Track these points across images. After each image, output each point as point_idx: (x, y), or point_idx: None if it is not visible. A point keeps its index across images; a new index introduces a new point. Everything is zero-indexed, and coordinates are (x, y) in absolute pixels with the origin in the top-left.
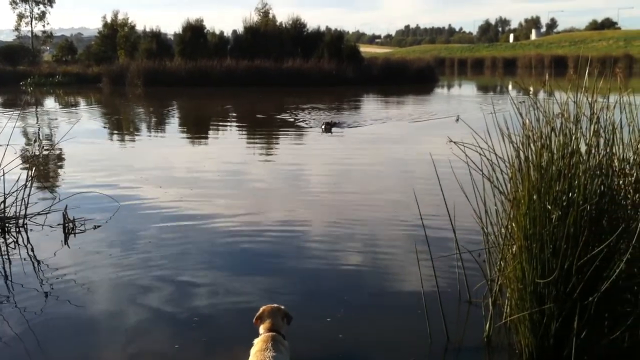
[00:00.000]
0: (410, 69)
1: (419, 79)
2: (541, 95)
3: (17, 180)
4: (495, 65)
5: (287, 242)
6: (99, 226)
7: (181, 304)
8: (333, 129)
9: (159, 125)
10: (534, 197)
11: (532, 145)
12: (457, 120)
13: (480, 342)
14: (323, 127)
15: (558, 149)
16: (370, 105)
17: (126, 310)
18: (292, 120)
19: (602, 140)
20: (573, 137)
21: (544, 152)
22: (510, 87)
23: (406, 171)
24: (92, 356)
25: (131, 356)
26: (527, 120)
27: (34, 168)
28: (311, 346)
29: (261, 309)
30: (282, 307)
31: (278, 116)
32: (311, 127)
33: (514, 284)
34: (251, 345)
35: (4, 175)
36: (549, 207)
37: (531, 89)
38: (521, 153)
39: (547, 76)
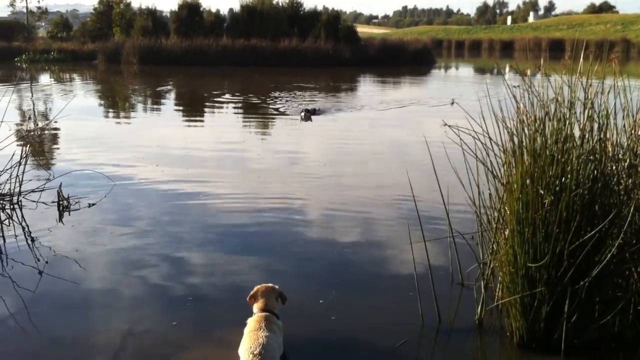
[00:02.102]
0: (407, 50)
1: (416, 60)
2: (537, 79)
3: (12, 157)
4: (493, 47)
5: (282, 223)
6: (93, 204)
7: (176, 282)
8: (313, 117)
9: (154, 103)
10: (527, 181)
11: (526, 129)
12: (452, 103)
13: (471, 324)
14: (302, 114)
15: (552, 134)
16: (366, 88)
17: (121, 288)
18: (286, 101)
19: (595, 126)
20: (567, 122)
21: (537, 136)
22: (507, 70)
23: (400, 154)
24: (87, 333)
25: (127, 332)
26: (521, 105)
27: (28, 145)
28: (304, 327)
29: (255, 288)
30: (277, 287)
31: (274, 96)
32: (287, 115)
33: (505, 268)
34: (245, 324)
35: None
36: (542, 191)
37: (528, 72)
38: (515, 137)
39: (542, 60)
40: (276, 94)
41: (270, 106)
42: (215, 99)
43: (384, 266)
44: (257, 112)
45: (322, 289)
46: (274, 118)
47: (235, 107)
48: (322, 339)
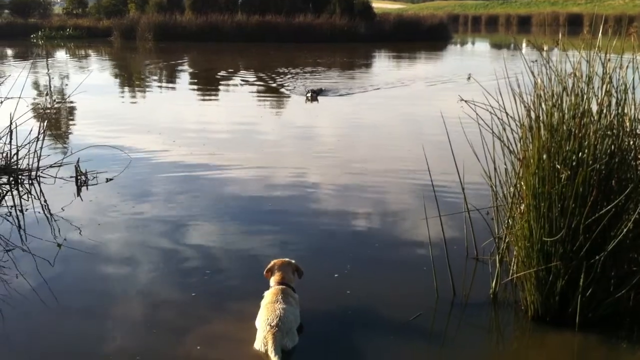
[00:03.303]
0: (423, 25)
1: (432, 35)
2: (554, 54)
3: (30, 133)
4: (510, 22)
5: (297, 198)
6: (111, 179)
7: (193, 255)
8: (320, 97)
9: (169, 80)
10: (544, 156)
11: (543, 104)
12: (469, 78)
13: (486, 298)
14: (308, 95)
15: (569, 109)
16: (381, 64)
17: (139, 261)
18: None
19: (613, 101)
20: (584, 97)
21: (554, 111)
22: (524, 44)
23: (415, 130)
24: (107, 305)
25: (147, 304)
26: (538, 80)
27: (46, 121)
28: (319, 301)
29: (272, 262)
30: (293, 261)
31: (287, 72)
32: (291, 96)
33: (521, 242)
34: (261, 297)
35: (16, 127)
36: (559, 166)
37: (545, 47)
38: (532, 112)
39: (560, 35)
40: (290, 70)
41: (282, 83)
42: (230, 76)
43: (399, 240)
44: (271, 89)
45: (337, 263)
46: (289, 96)
47: (249, 84)
48: (338, 313)
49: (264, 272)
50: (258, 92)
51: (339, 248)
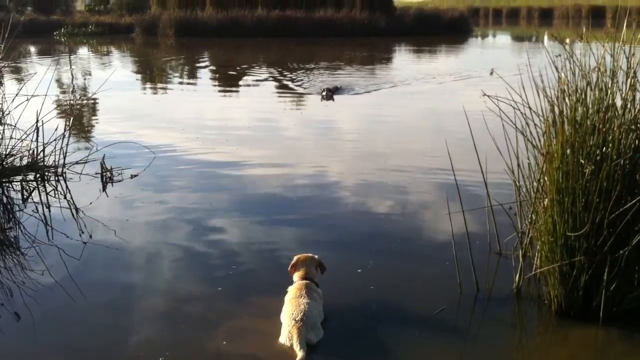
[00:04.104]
0: (443, 19)
1: (452, 29)
2: (577, 47)
3: (56, 129)
4: (531, 15)
5: (318, 193)
6: (135, 175)
7: (218, 251)
8: (335, 96)
9: (191, 75)
10: (568, 151)
11: (567, 99)
12: (492, 73)
13: (509, 293)
14: (324, 93)
15: (593, 104)
16: (402, 58)
17: (165, 257)
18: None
19: (638, 95)
20: (609, 92)
21: (578, 106)
22: (545, 38)
23: (437, 124)
24: (133, 299)
25: (173, 299)
26: (562, 74)
27: (71, 118)
28: (343, 297)
29: (295, 258)
30: (316, 256)
31: (306, 68)
32: (310, 93)
33: (544, 237)
34: (284, 292)
35: (42, 124)
36: (582, 161)
37: (567, 40)
38: (556, 107)
39: (584, 28)
40: (310, 66)
41: (301, 80)
42: (251, 71)
43: (421, 235)
44: (291, 84)
45: (359, 258)
46: (306, 94)
47: (270, 79)
48: (362, 308)
49: (289, 268)
50: (279, 88)
51: (362, 243)
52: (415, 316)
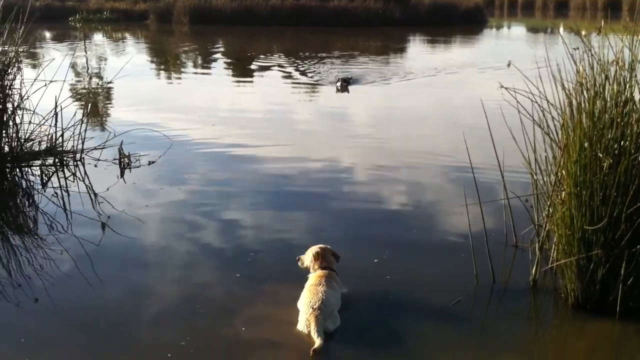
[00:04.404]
0: (458, 9)
1: (467, 20)
2: (594, 40)
3: (74, 115)
4: (547, 6)
5: (334, 183)
6: (153, 162)
7: (235, 238)
8: (350, 87)
9: (205, 63)
10: (585, 144)
11: (585, 92)
12: (509, 65)
13: (525, 286)
14: (338, 84)
15: (611, 97)
16: (417, 49)
17: (181, 243)
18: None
19: None
20: (627, 85)
21: (597, 100)
22: (561, 30)
23: (453, 116)
24: (151, 284)
25: (192, 285)
26: (580, 68)
27: (89, 104)
28: (360, 286)
29: (315, 250)
30: (329, 246)
31: (320, 57)
32: (321, 84)
33: (561, 230)
34: (300, 280)
35: (61, 110)
36: (600, 155)
37: (583, 32)
38: (574, 100)
39: (602, 22)
40: (323, 55)
41: (315, 70)
42: (265, 60)
43: (436, 226)
44: (306, 74)
45: (375, 248)
46: (320, 84)
47: (284, 68)
48: (379, 297)
49: (310, 262)
50: (293, 77)
51: (378, 233)
52: (431, 307)
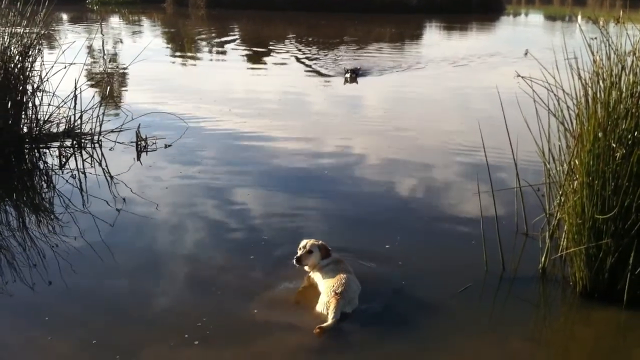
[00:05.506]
0: None
1: (484, 7)
2: (611, 29)
3: (92, 98)
4: None
5: (346, 168)
6: (169, 145)
7: (249, 222)
8: (359, 78)
9: (221, 48)
10: (599, 134)
11: (601, 82)
12: (526, 54)
13: (535, 273)
14: (347, 76)
15: (627, 88)
16: (433, 36)
17: (196, 225)
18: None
19: None
20: None
21: (612, 90)
22: (579, 18)
23: (468, 103)
24: (166, 267)
25: (208, 267)
26: (597, 58)
27: (107, 87)
28: (372, 272)
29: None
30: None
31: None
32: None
33: (572, 219)
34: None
35: (80, 92)
36: (614, 145)
37: (601, 20)
38: (589, 90)
39: (621, 12)
40: (336, 41)
41: (328, 57)
42: (280, 45)
43: (448, 213)
44: (320, 59)
45: (387, 234)
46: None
47: (300, 55)
48: (389, 282)
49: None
50: (307, 63)
51: (389, 219)
52: (441, 292)
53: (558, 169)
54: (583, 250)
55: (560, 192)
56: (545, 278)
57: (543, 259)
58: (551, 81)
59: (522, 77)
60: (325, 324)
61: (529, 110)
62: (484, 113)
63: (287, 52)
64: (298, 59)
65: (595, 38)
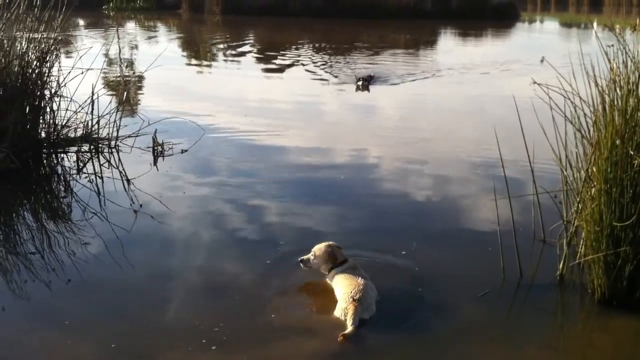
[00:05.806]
0: (490, 3)
1: (499, 13)
2: (628, 36)
3: (109, 103)
4: (581, 1)
5: (361, 175)
6: (185, 150)
7: (262, 229)
8: (370, 86)
9: (236, 54)
10: (617, 142)
11: (618, 90)
12: (542, 61)
13: (552, 280)
14: (359, 83)
15: None
16: (448, 42)
17: (213, 231)
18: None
19: None
20: None
21: (630, 97)
22: (595, 25)
23: (484, 110)
24: (182, 271)
25: (224, 272)
26: (614, 65)
27: (125, 92)
28: (389, 277)
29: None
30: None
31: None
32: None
33: (590, 226)
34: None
35: (98, 97)
36: (632, 152)
37: (617, 27)
38: (606, 97)
39: (637, 19)
40: (350, 47)
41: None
42: (295, 52)
43: (464, 220)
44: (333, 66)
45: (403, 241)
46: (351, 71)
47: (315, 61)
48: (406, 288)
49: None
50: (321, 69)
51: (405, 226)
52: (458, 299)
53: (575, 176)
54: (601, 258)
55: (578, 199)
56: (562, 285)
57: (561, 266)
58: (568, 88)
59: (539, 84)
60: (347, 331)
61: (545, 117)
62: (500, 120)
63: (302, 58)
64: (311, 65)
65: (612, 45)
